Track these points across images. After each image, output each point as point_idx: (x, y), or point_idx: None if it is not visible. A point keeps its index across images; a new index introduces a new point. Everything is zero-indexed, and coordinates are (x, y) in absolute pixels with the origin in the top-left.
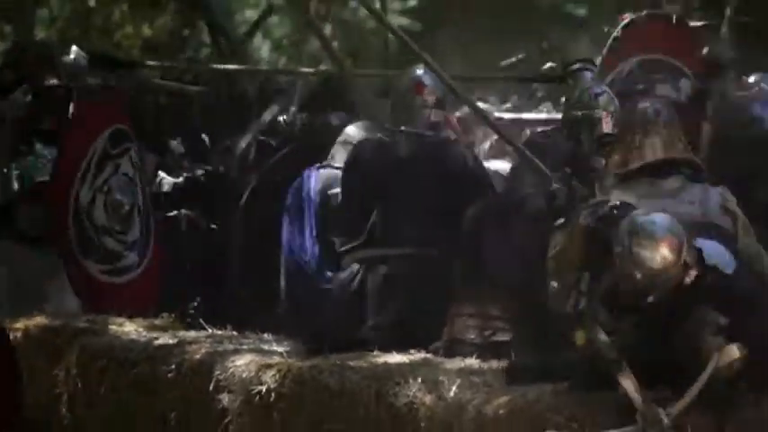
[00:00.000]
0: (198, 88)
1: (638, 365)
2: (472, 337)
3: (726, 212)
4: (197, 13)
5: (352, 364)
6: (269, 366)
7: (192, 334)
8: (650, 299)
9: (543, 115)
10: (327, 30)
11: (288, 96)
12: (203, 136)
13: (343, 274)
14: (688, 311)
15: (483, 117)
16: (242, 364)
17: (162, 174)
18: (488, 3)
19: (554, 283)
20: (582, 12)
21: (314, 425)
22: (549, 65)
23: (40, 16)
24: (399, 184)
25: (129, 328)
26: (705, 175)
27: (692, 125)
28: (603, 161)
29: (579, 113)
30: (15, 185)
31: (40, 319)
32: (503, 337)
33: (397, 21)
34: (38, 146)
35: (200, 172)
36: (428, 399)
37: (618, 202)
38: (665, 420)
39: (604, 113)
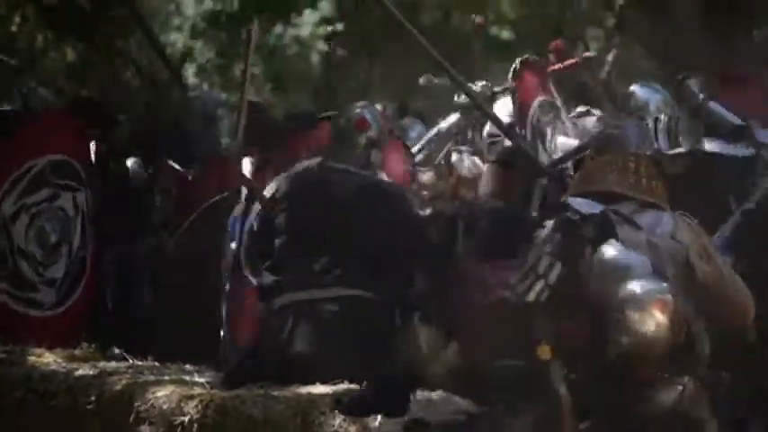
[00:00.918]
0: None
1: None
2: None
3: (677, 240)
4: (125, 39)
5: (275, 394)
6: (191, 397)
7: (112, 364)
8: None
9: None
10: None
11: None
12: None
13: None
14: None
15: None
16: (163, 394)
17: None
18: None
19: None
20: (506, 35)
21: None
22: (482, 83)
23: None
24: (321, 220)
25: (49, 359)
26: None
27: None
28: None
29: None
30: None
31: None
32: None
33: (322, 47)
34: None
35: None
36: (353, 429)
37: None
38: None
39: None
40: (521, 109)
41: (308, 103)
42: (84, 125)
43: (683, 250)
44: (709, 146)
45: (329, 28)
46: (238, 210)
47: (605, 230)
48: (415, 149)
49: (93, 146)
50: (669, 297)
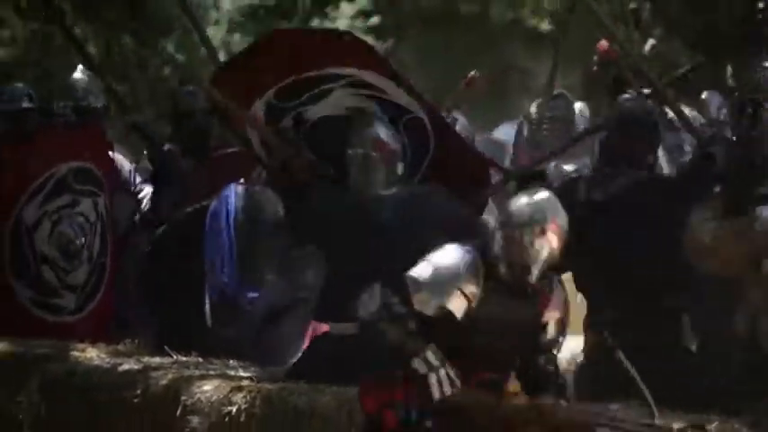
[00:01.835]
0: None
1: None
2: None
3: None
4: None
5: (321, 386)
6: (239, 389)
7: (156, 360)
8: None
9: None
10: None
11: None
12: None
13: None
14: None
15: None
16: (210, 387)
17: None
18: (448, 19)
19: None
20: (545, 27)
21: None
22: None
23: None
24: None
25: (92, 354)
26: None
27: None
28: None
29: None
30: None
31: (1, 345)
32: None
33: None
34: None
35: None
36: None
37: None
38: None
39: None
40: None
41: None
42: (103, 131)
43: None
44: None
45: (366, 21)
46: None
47: None
48: None
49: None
50: None
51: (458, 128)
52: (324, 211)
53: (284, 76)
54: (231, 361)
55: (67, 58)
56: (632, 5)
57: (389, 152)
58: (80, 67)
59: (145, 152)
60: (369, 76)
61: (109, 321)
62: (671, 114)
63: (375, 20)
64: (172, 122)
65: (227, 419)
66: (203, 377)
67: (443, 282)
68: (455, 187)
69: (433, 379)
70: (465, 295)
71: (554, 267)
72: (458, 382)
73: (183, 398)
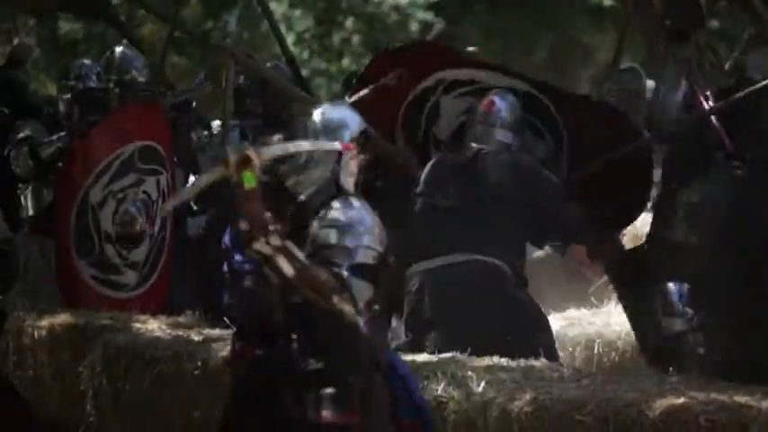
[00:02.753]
0: None
1: None
2: None
3: None
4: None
5: None
6: None
7: (216, 332)
8: None
9: None
10: (349, 23)
11: None
12: None
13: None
14: None
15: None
16: None
17: None
18: None
19: None
20: (608, 3)
21: None
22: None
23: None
24: None
25: (153, 326)
26: None
27: None
28: None
29: None
30: None
31: (64, 317)
32: None
33: (422, 15)
34: None
35: None
36: (456, 394)
37: None
38: None
39: None
40: None
41: None
42: (165, 110)
43: None
44: None
45: None
46: None
47: None
48: None
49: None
50: None
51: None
52: None
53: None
54: None
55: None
56: None
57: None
58: (124, 41)
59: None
60: (453, 74)
61: (166, 296)
62: None
63: None
64: (238, 97)
65: None
66: None
67: None
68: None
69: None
70: None
71: None
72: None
73: None
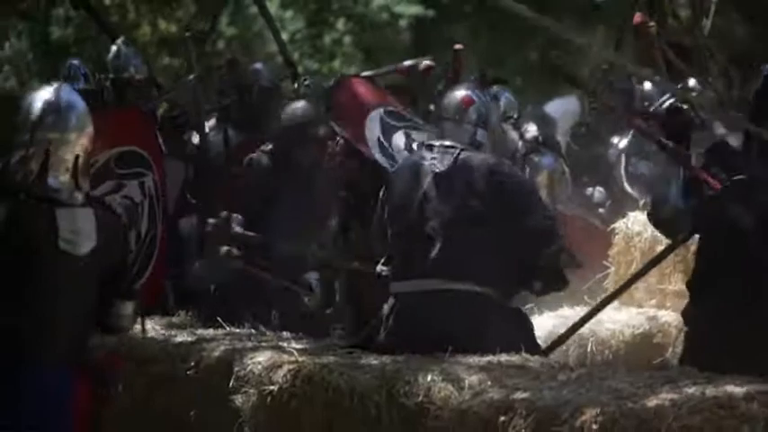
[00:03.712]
0: None
1: None
2: None
3: None
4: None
5: (362, 362)
6: (280, 366)
7: (209, 332)
8: None
9: None
10: (340, 24)
11: None
12: None
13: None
14: None
15: None
16: (259, 361)
17: None
18: None
19: None
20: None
21: (325, 424)
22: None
23: (56, 15)
24: None
25: (147, 326)
26: None
27: None
28: None
29: None
30: None
31: None
32: None
33: (410, 9)
34: None
35: None
36: (441, 396)
37: None
38: None
39: None
40: None
41: None
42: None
43: None
44: None
45: None
46: None
47: None
48: None
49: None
50: None
51: (501, 102)
52: None
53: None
54: (284, 333)
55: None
56: None
57: None
58: (121, 38)
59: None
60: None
61: (160, 295)
62: None
63: None
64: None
65: (269, 399)
66: (255, 349)
67: None
68: None
69: None
70: None
71: None
72: None
73: (236, 369)
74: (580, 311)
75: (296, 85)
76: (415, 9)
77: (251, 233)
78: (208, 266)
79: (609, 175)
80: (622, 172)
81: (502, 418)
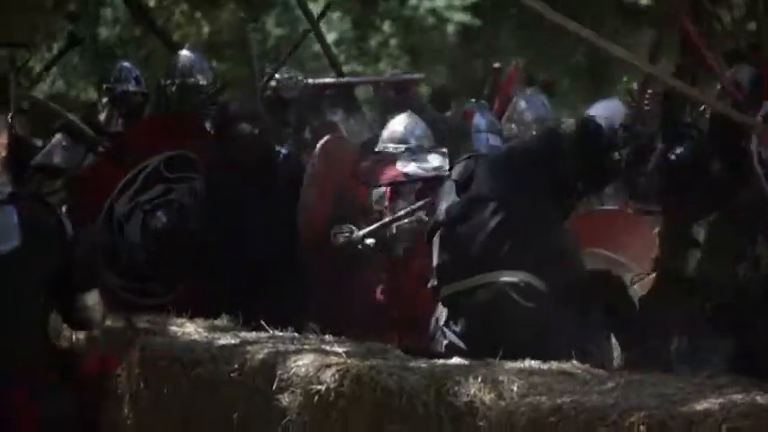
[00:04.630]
0: None
1: None
2: None
3: None
4: (260, 8)
5: (411, 364)
6: (328, 366)
7: (252, 335)
8: None
9: None
10: (386, 27)
11: None
12: None
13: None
14: None
15: None
16: (303, 363)
17: None
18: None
19: None
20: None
21: (374, 425)
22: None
23: (103, 17)
24: None
25: (190, 329)
26: None
27: None
28: None
29: None
30: None
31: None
32: None
33: (458, 17)
34: None
35: None
36: (488, 398)
37: None
38: None
39: None
40: None
41: (445, 76)
42: (199, 116)
43: None
44: None
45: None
46: None
47: None
48: None
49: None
50: None
51: (525, 106)
52: None
53: None
54: (326, 336)
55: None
56: None
57: None
58: (186, 44)
59: None
60: None
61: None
62: None
63: None
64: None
65: (316, 399)
66: (298, 352)
67: None
68: None
69: None
70: None
71: None
72: None
73: (278, 372)
74: None
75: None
76: (462, 16)
77: None
78: None
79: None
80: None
81: (550, 419)
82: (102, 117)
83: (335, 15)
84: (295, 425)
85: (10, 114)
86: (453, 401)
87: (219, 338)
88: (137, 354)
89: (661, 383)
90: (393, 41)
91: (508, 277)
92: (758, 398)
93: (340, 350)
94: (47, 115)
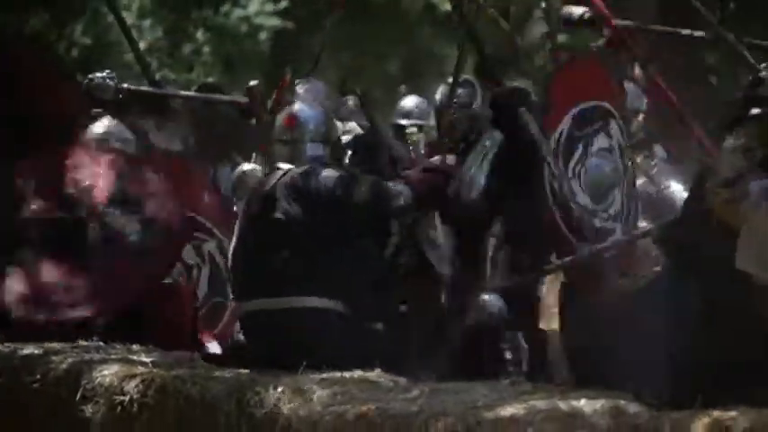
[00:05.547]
0: None
1: None
2: None
3: None
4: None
5: (217, 374)
6: (133, 376)
7: (57, 345)
8: None
9: None
10: (199, 35)
11: None
12: None
13: None
14: None
15: None
16: (108, 373)
17: None
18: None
19: None
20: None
21: None
22: None
23: None
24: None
25: None
26: None
27: None
28: None
29: None
30: None
31: None
32: None
33: (269, 22)
34: None
35: None
36: (288, 407)
37: None
38: None
39: None
40: None
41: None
42: None
43: None
44: None
45: (276, 5)
46: None
47: None
48: None
49: None
50: None
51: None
52: None
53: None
54: (134, 345)
55: None
56: None
57: None
58: None
59: None
60: None
61: None
62: None
63: (284, 3)
64: None
65: (119, 409)
66: (103, 362)
67: None
68: None
69: None
70: None
71: None
72: None
73: (83, 382)
74: None
75: None
76: (274, 21)
77: None
78: None
79: None
80: None
81: (356, 427)
82: None
83: (147, 23)
84: None
85: None
86: (254, 412)
87: (23, 348)
88: None
89: (464, 391)
90: (206, 49)
91: (318, 303)
92: (560, 403)
93: (146, 360)
94: None
